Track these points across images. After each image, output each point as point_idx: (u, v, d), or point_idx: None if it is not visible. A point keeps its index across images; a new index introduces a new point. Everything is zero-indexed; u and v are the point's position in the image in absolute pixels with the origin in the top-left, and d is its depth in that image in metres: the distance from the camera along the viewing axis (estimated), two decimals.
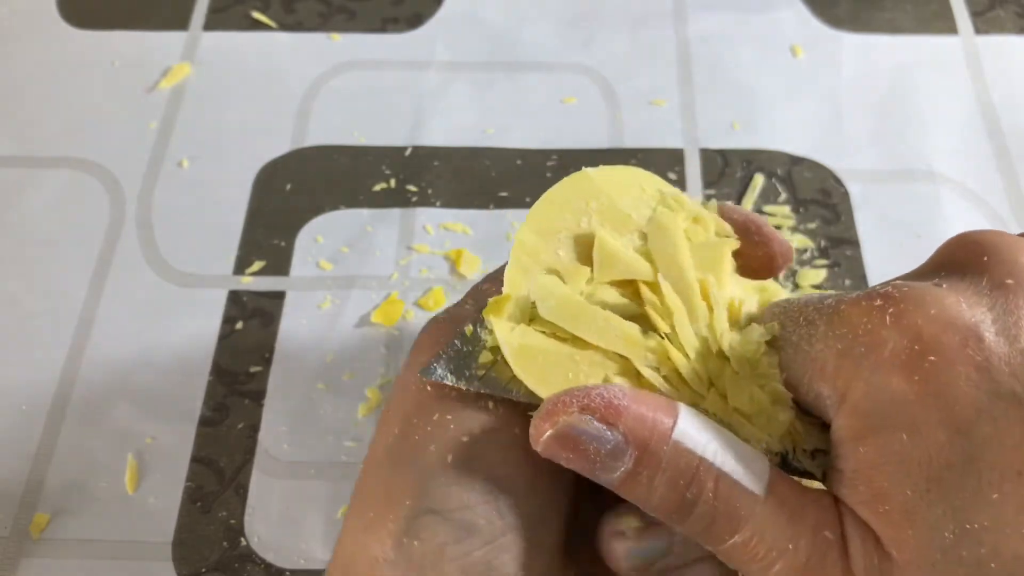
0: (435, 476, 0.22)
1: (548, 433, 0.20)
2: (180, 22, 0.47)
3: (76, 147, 0.43)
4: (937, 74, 0.45)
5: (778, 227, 0.39)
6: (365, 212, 0.41)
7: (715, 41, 0.46)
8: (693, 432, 0.20)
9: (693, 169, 0.41)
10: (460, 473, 0.21)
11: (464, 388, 0.21)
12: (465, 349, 0.22)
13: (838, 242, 0.39)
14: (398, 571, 0.21)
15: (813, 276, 0.38)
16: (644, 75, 0.45)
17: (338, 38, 0.46)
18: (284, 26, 0.47)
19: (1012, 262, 0.19)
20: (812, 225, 0.40)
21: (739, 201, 0.40)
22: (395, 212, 0.40)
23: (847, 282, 0.38)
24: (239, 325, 0.37)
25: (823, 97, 0.44)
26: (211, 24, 0.47)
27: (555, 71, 0.45)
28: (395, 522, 0.21)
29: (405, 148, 0.42)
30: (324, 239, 0.40)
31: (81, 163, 0.42)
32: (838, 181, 0.41)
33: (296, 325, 0.37)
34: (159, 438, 0.35)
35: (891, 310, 0.19)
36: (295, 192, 0.41)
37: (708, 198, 0.40)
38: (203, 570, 0.32)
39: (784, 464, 0.21)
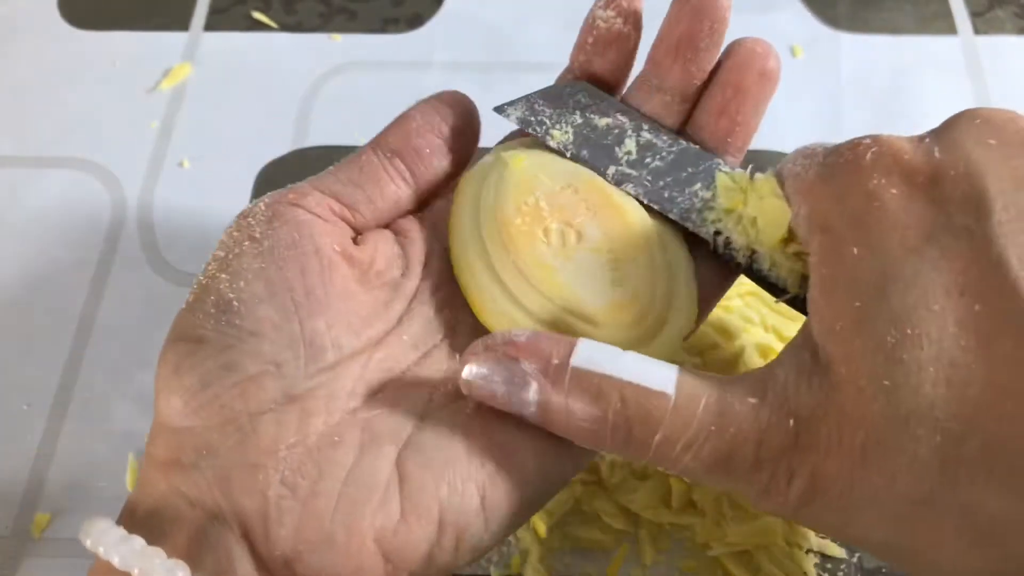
0: None
1: (462, 375, 0.22)
2: (181, 22, 0.47)
3: (76, 147, 0.43)
4: (937, 74, 0.45)
5: None
6: None
7: None
8: (591, 355, 0.22)
9: None
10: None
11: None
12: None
13: None
14: None
15: None
16: None
17: (338, 38, 0.46)
18: (284, 26, 0.47)
19: (1001, 129, 0.21)
20: None
21: None
22: None
23: None
24: None
25: (823, 97, 0.44)
26: (212, 24, 0.47)
27: (555, 71, 0.45)
28: None
29: None
30: None
31: (81, 163, 0.42)
32: None
33: None
34: None
35: (874, 148, 0.22)
36: None
37: None
38: None
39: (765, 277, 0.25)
